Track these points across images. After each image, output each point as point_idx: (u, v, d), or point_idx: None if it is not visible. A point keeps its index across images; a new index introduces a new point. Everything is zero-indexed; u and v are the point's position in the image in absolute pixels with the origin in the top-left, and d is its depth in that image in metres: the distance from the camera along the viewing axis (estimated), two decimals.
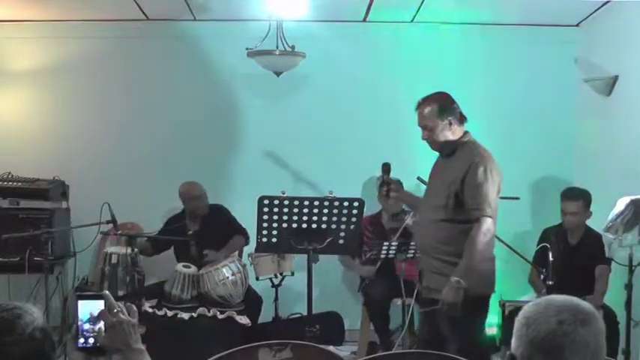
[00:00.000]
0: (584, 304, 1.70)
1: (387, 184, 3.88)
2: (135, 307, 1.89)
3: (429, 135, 3.67)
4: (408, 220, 4.89)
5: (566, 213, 4.85)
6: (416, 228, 3.93)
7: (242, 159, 5.99)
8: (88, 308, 1.84)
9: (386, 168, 3.87)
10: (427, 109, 3.66)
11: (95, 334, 1.83)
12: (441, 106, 3.66)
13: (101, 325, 1.81)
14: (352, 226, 3.81)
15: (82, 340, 1.82)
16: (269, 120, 5.95)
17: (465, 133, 3.71)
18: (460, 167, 3.60)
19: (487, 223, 3.55)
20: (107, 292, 1.86)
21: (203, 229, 5.30)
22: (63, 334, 5.07)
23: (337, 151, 5.92)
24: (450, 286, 3.49)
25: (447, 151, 3.71)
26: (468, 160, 3.59)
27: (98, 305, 1.82)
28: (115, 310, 1.83)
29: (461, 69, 5.78)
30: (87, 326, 1.83)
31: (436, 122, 3.64)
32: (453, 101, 3.71)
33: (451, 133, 3.66)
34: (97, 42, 5.85)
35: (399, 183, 5.25)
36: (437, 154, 3.83)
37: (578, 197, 4.83)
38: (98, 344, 1.82)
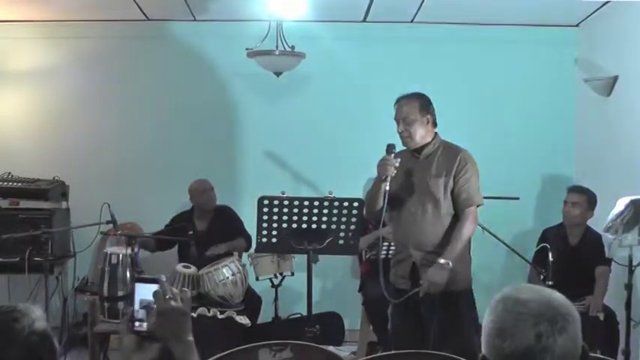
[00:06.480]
0: (559, 301, 1.61)
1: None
2: (189, 295, 1.77)
3: (406, 129, 3.78)
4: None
5: (567, 202, 4.89)
6: (403, 226, 3.86)
7: (242, 159, 5.99)
8: (144, 292, 1.77)
9: (390, 149, 3.79)
10: (409, 103, 3.80)
11: (146, 318, 1.73)
12: (422, 103, 3.81)
13: (152, 309, 1.72)
14: (352, 226, 3.80)
15: (137, 324, 1.75)
16: (269, 120, 5.95)
17: (436, 134, 3.87)
18: (447, 163, 3.78)
19: (476, 212, 3.81)
20: (163, 276, 1.78)
21: (210, 228, 5.35)
22: (62, 335, 5.08)
23: (337, 151, 5.92)
24: (438, 266, 3.66)
25: (423, 150, 3.83)
26: (454, 156, 3.78)
27: (154, 289, 1.73)
28: (167, 297, 1.72)
29: (461, 69, 5.79)
30: (140, 311, 1.75)
31: (416, 116, 3.78)
32: (431, 103, 3.85)
33: (426, 132, 3.81)
34: (97, 42, 5.86)
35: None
36: None
37: (583, 192, 4.91)
38: (148, 330, 1.73)
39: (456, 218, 3.79)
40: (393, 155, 3.72)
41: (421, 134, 3.79)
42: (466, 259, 3.88)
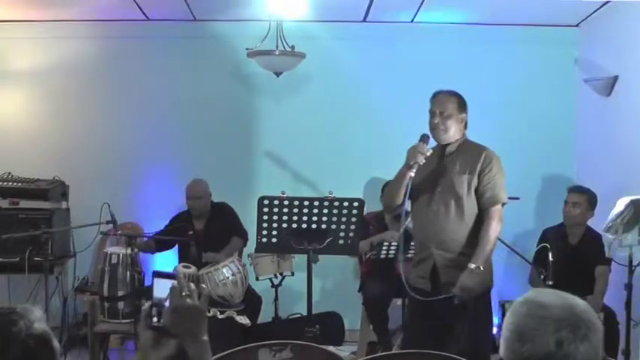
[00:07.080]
0: (582, 307, 1.57)
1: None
2: (206, 291, 1.73)
3: (442, 121, 3.76)
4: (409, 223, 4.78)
5: (567, 202, 4.92)
6: (425, 224, 3.82)
7: (242, 159, 5.99)
8: (162, 287, 1.71)
9: (425, 139, 3.77)
10: (449, 98, 3.80)
11: (157, 315, 1.69)
12: (460, 102, 3.82)
13: (164, 306, 1.69)
14: (352, 226, 3.80)
15: (154, 320, 1.72)
16: (269, 120, 5.95)
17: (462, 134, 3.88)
18: (471, 161, 3.76)
19: (501, 211, 3.76)
20: (180, 271, 1.74)
21: (208, 227, 5.36)
22: (62, 335, 5.08)
23: (337, 151, 5.92)
24: (469, 272, 3.62)
25: (450, 147, 3.81)
26: (478, 154, 3.77)
27: (171, 285, 1.70)
28: (183, 294, 1.68)
29: (461, 69, 5.78)
30: (155, 307, 1.71)
31: (454, 112, 3.77)
32: (467, 105, 3.86)
33: (457, 130, 3.80)
34: (97, 42, 5.86)
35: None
36: None
37: (584, 192, 4.94)
38: (163, 325, 1.69)
39: (480, 218, 3.75)
40: (425, 145, 3.67)
41: (454, 130, 3.78)
42: (488, 262, 3.78)
